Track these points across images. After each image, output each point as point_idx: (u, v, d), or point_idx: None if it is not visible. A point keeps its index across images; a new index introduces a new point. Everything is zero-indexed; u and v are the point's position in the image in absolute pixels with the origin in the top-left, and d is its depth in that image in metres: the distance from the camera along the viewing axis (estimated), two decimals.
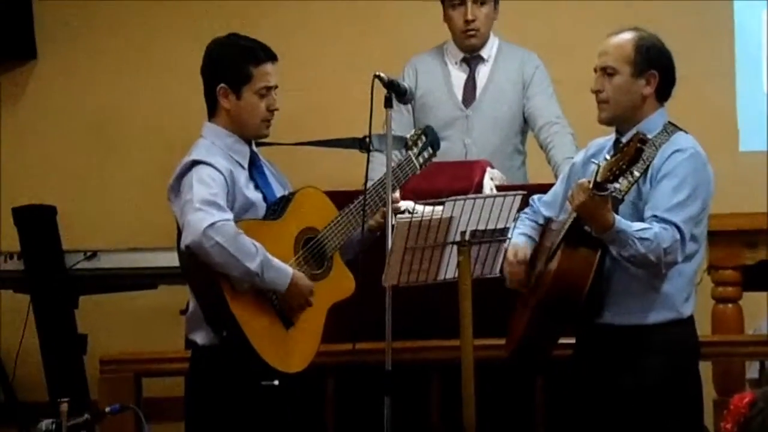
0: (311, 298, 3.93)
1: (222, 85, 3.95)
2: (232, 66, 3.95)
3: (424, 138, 4.24)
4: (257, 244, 3.83)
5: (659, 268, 3.83)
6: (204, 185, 3.84)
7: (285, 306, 3.91)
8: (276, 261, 3.85)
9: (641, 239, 3.77)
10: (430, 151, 4.25)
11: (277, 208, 3.97)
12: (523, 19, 5.92)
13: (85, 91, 6.33)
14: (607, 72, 3.95)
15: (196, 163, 3.90)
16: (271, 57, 3.99)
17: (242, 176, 3.97)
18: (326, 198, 4.06)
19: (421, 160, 4.22)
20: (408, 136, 4.26)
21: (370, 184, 4.08)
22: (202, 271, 3.83)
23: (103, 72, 6.33)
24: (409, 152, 4.20)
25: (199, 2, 6.19)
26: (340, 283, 4.00)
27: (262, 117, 3.97)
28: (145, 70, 6.29)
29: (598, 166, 3.70)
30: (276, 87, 4.00)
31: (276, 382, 3.82)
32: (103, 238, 5.90)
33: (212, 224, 3.77)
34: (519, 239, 4.01)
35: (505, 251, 3.95)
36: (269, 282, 3.84)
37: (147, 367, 4.70)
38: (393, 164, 4.13)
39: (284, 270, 3.87)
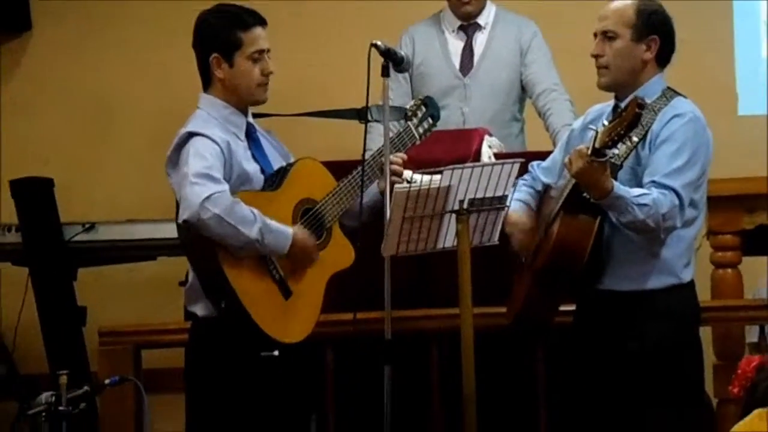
0: (315, 255, 3.92)
1: (214, 54, 3.94)
2: (221, 34, 3.94)
3: (423, 108, 4.23)
4: (254, 210, 3.83)
5: (658, 234, 3.82)
6: (200, 158, 3.83)
7: (288, 267, 3.89)
8: (274, 223, 3.85)
9: (639, 205, 3.77)
10: (430, 121, 4.23)
11: (275, 179, 3.97)
12: None
13: (81, 62, 6.30)
14: (607, 36, 3.93)
15: (192, 135, 3.89)
16: (260, 21, 3.98)
17: (240, 147, 3.96)
18: (324, 169, 4.05)
19: (420, 130, 4.20)
20: (408, 106, 4.25)
21: (368, 154, 4.06)
22: (199, 243, 3.83)
23: (100, 44, 6.30)
24: (409, 123, 4.19)
25: None
26: (340, 253, 4.00)
27: (258, 81, 3.96)
28: (141, 42, 6.26)
29: (596, 132, 3.69)
30: (268, 50, 3.98)
31: (276, 353, 3.82)
32: (101, 210, 5.89)
33: (209, 196, 3.77)
34: (514, 205, 4.01)
35: (504, 218, 3.94)
36: (270, 246, 3.84)
37: (146, 339, 4.69)
38: (392, 134, 4.12)
39: (284, 231, 3.86)
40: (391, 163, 4.02)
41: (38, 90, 6.33)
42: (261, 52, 3.95)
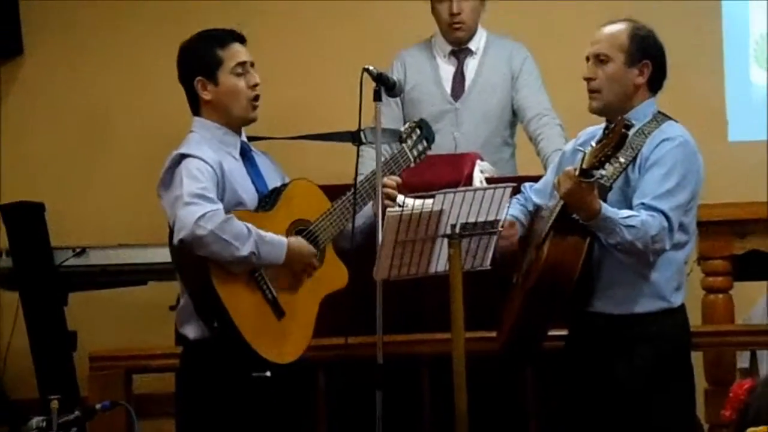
0: (315, 261, 3.92)
1: (198, 78, 3.96)
2: (200, 56, 3.97)
3: (418, 131, 4.24)
4: (248, 225, 3.84)
5: (647, 256, 3.83)
6: (193, 179, 3.84)
7: (281, 287, 3.88)
8: (269, 235, 3.86)
9: (628, 226, 3.78)
10: (425, 144, 4.25)
11: (268, 199, 3.98)
12: (512, 10, 5.91)
13: (73, 87, 6.30)
14: (600, 59, 3.95)
15: (184, 156, 3.90)
16: (237, 38, 4.01)
17: (234, 167, 3.97)
18: (318, 190, 4.06)
19: (415, 153, 4.22)
20: (402, 129, 4.26)
21: (361, 177, 4.07)
22: (192, 262, 3.83)
23: (92, 68, 6.31)
24: (403, 145, 4.20)
25: (187, 0, 6.18)
26: (333, 274, 4.00)
27: (246, 96, 3.98)
28: (133, 65, 6.27)
29: (584, 153, 3.70)
30: (252, 64, 4.00)
31: (268, 374, 3.82)
32: (92, 235, 5.88)
33: (203, 215, 3.78)
34: (508, 218, 4.01)
35: (496, 242, 3.94)
36: (266, 257, 3.85)
37: (137, 364, 4.69)
38: (386, 157, 4.13)
39: (279, 241, 3.87)
40: (385, 185, 4.03)
41: (29, 115, 6.32)
42: (243, 64, 3.97)
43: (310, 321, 3.96)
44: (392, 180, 4.08)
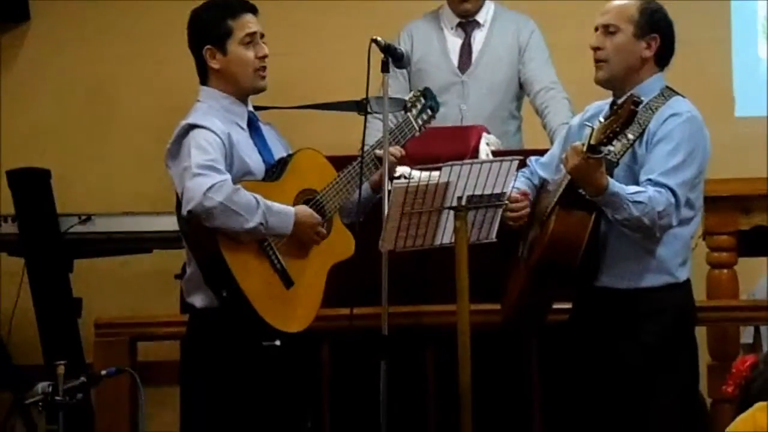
0: (322, 229, 3.93)
1: (207, 46, 3.95)
2: (210, 25, 3.96)
3: (423, 100, 4.24)
4: (256, 195, 3.84)
5: (654, 232, 3.83)
6: (201, 150, 3.84)
7: (290, 256, 3.88)
8: (276, 205, 3.86)
9: (635, 202, 3.78)
10: (429, 112, 4.24)
11: (275, 169, 3.97)
12: None
13: (79, 54, 6.29)
14: (609, 30, 3.94)
15: (192, 127, 3.89)
16: (249, 8, 4.00)
17: (241, 137, 3.97)
18: (325, 159, 4.06)
19: (420, 121, 4.21)
20: (407, 98, 4.26)
21: (367, 147, 4.07)
22: (201, 233, 3.83)
23: (98, 35, 6.29)
24: (408, 114, 4.20)
25: None
26: (341, 243, 4.00)
27: (254, 66, 3.97)
28: (141, 33, 6.26)
29: (592, 129, 3.70)
30: (262, 35, 3.99)
31: (278, 342, 3.83)
32: (98, 202, 5.89)
33: (211, 186, 3.78)
34: (513, 191, 4.00)
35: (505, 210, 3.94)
36: (274, 227, 3.85)
37: (142, 331, 4.69)
38: (392, 126, 4.12)
39: (286, 212, 3.87)
40: (383, 157, 4.03)
41: (36, 81, 6.32)
42: (252, 35, 3.97)
43: (319, 290, 3.96)
44: (396, 150, 4.08)
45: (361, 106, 4.12)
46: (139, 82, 6.27)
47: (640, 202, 3.78)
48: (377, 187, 4.06)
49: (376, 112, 4.12)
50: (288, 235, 3.89)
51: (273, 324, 3.84)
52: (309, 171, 4.00)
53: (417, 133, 4.20)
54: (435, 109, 4.26)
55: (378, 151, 4.03)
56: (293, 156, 4.01)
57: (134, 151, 6.13)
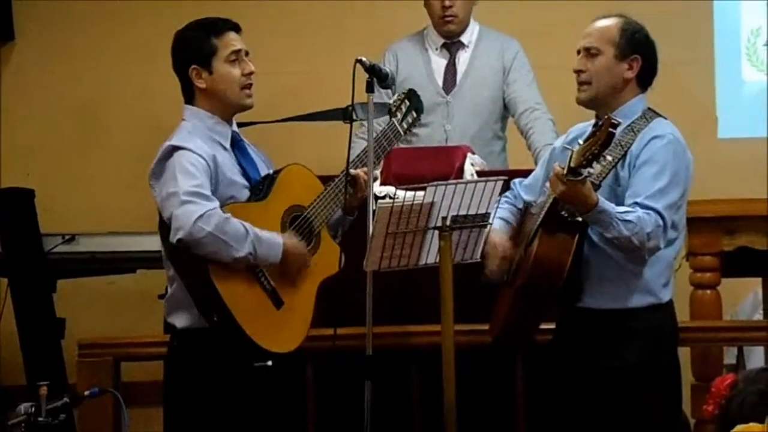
0: (308, 259, 3.93)
1: (193, 66, 3.95)
2: (195, 44, 3.96)
3: (407, 102, 4.25)
4: (245, 224, 3.83)
5: (642, 253, 3.84)
6: (188, 175, 3.82)
7: (279, 277, 3.88)
8: (266, 234, 3.85)
9: (624, 221, 3.79)
10: (414, 115, 4.26)
11: (261, 187, 3.97)
12: (504, 5, 5.92)
13: (64, 73, 6.29)
14: (590, 52, 3.96)
15: (176, 148, 3.88)
16: (232, 26, 4.01)
17: (226, 157, 3.96)
18: (311, 174, 4.06)
19: (405, 125, 4.23)
20: (391, 101, 4.26)
21: (352, 157, 4.07)
22: (190, 258, 3.82)
23: (84, 55, 6.30)
24: (393, 119, 4.21)
25: None
26: (330, 258, 4.00)
27: (240, 83, 3.97)
28: (126, 53, 6.26)
29: (572, 151, 3.71)
30: (247, 52, 3.99)
31: (270, 363, 3.82)
32: (82, 222, 5.88)
33: (201, 216, 3.77)
34: (496, 223, 4.03)
35: (486, 236, 3.96)
36: (263, 257, 3.85)
37: (125, 351, 4.68)
38: (377, 133, 4.13)
39: (275, 241, 3.87)
40: (357, 176, 4.02)
41: (21, 101, 6.31)
42: (237, 52, 3.97)
43: (309, 308, 3.96)
44: (363, 173, 4.07)
45: (346, 114, 4.12)
46: (123, 102, 6.27)
47: (629, 221, 3.79)
48: (349, 209, 4.06)
49: (361, 119, 4.13)
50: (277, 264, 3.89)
51: (264, 346, 3.83)
52: (296, 187, 4.00)
53: (402, 137, 4.21)
54: (420, 110, 4.28)
55: (351, 171, 4.02)
56: (279, 173, 4.01)
57: (119, 171, 6.13)
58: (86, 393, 3.90)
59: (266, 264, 3.86)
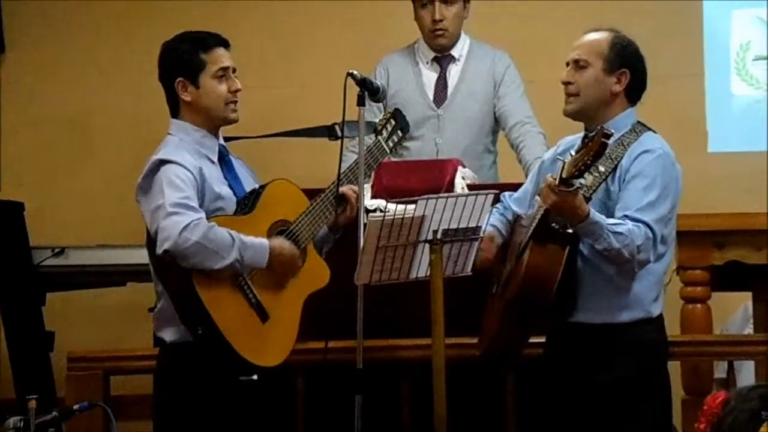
0: (298, 261, 3.93)
1: (179, 79, 3.96)
2: (183, 58, 3.96)
3: (393, 122, 4.26)
4: (231, 231, 3.83)
5: (632, 266, 3.84)
6: (174, 188, 3.83)
7: (264, 290, 3.88)
8: (250, 239, 3.85)
9: (615, 233, 3.79)
10: (400, 134, 4.26)
11: (247, 202, 3.97)
12: (494, 19, 5.94)
13: (55, 86, 6.29)
14: (579, 65, 3.97)
15: (163, 162, 3.88)
16: (222, 42, 4.01)
17: (212, 171, 3.96)
18: (297, 189, 4.06)
19: (390, 144, 4.23)
20: (377, 120, 4.27)
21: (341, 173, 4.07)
22: (175, 271, 3.82)
23: (74, 67, 6.29)
24: (378, 137, 4.21)
25: (173, 1, 6.17)
26: (315, 272, 4.00)
27: (226, 99, 3.97)
28: (117, 66, 6.26)
29: (564, 162, 3.71)
30: (234, 70, 4.00)
31: (255, 377, 3.81)
32: (72, 235, 5.87)
33: (186, 225, 3.77)
34: (488, 230, 4.02)
35: (477, 247, 3.95)
36: (249, 262, 3.84)
37: (115, 365, 4.67)
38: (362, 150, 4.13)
39: (261, 245, 3.87)
40: (344, 194, 4.02)
41: (11, 113, 6.30)
42: (225, 69, 3.97)
43: (294, 322, 3.96)
44: (350, 190, 4.07)
45: (331, 132, 4.12)
46: (114, 115, 6.27)
47: (620, 233, 3.79)
48: (335, 228, 4.06)
49: (346, 136, 4.13)
50: (265, 268, 3.88)
51: (250, 359, 3.83)
52: (281, 202, 4.00)
53: (388, 155, 4.21)
54: (405, 129, 4.29)
55: (340, 188, 4.03)
56: (265, 188, 4.01)
57: (109, 184, 6.12)
58: (75, 407, 3.88)
59: (254, 269, 3.85)
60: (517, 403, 4.42)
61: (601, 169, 3.73)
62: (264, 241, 3.89)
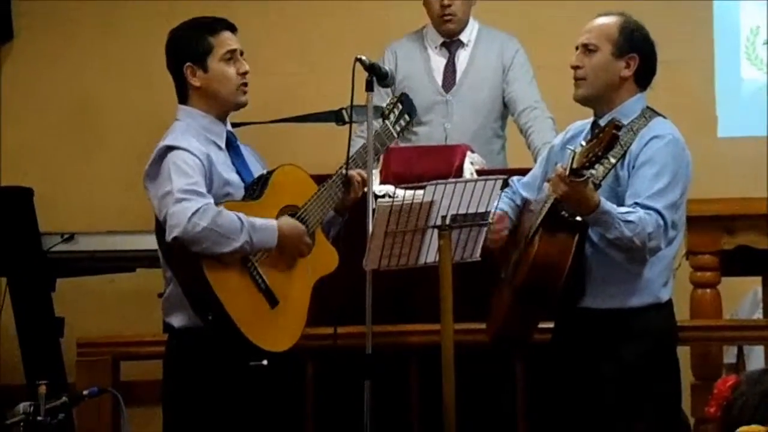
0: (307, 239, 3.92)
1: (187, 64, 3.95)
2: (190, 43, 3.96)
3: (400, 106, 4.25)
4: (239, 214, 3.83)
5: (643, 254, 3.84)
6: (182, 174, 3.82)
7: (273, 275, 3.87)
8: (259, 221, 3.85)
9: (626, 221, 3.78)
10: (407, 118, 4.26)
11: (255, 187, 3.96)
12: (503, 3, 5.92)
13: (63, 72, 6.29)
14: (588, 49, 3.96)
15: (170, 148, 3.88)
16: (228, 26, 4.00)
17: (220, 157, 3.96)
18: (305, 174, 4.05)
19: (398, 128, 4.23)
20: (384, 105, 4.26)
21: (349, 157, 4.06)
22: (184, 258, 3.82)
23: (82, 54, 6.30)
24: (386, 122, 4.21)
25: None
26: (324, 257, 4.00)
27: (235, 82, 3.96)
28: (125, 52, 6.26)
29: (574, 152, 3.70)
30: (242, 52, 3.99)
31: (265, 362, 3.82)
32: (81, 221, 5.88)
33: (195, 211, 3.77)
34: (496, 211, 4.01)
35: (486, 232, 3.95)
36: (259, 243, 3.84)
37: (125, 351, 4.68)
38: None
39: (270, 226, 3.86)
40: (351, 177, 4.02)
41: (20, 100, 6.31)
42: (233, 52, 3.96)
43: (304, 307, 3.95)
44: (357, 174, 4.06)
45: (339, 117, 4.12)
46: (123, 101, 6.27)
47: (631, 222, 3.78)
48: (341, 210, 4.06)
49: (354, 121, 4.12)
50: (275, 249, 3.88)
51: (260, 345, 3.82)
52: (289, 187, 3.99)
53: (395, 139, 4.21)
54: (412, 114, 4.28)
55: (349, 171, 4.02)
56: (273, 173, 4.00)
57: (118, 170, 6.12)
58: (85, 392, 3.89)
59: (263, 250, 3.85)
60: (527, 388, 4.42)
61: (612, 159, 3.73)
62: (272, 221, 3.88)
